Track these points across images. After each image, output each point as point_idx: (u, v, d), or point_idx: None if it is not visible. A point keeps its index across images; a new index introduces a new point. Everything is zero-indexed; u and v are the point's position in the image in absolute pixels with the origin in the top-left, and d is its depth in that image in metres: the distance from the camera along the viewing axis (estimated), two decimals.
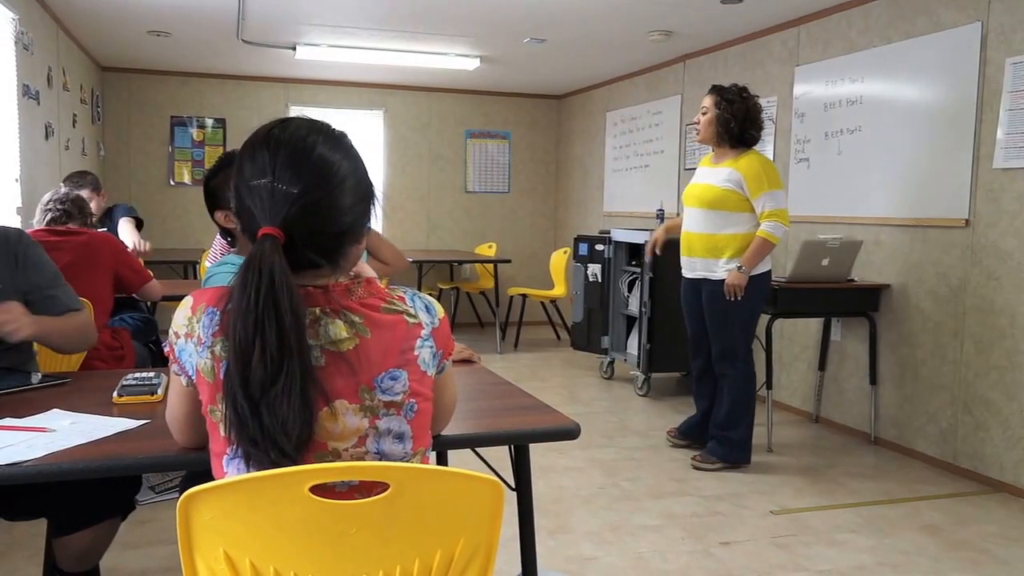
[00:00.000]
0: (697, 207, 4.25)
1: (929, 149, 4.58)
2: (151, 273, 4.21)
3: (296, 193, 1.29)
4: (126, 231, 5.08)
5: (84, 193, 4.73)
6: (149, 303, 4.85)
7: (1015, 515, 3.83)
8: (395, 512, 1.28)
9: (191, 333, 1.35)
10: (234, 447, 1.31)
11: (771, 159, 4.20)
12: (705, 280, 4.27)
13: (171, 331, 1.40)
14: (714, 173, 4.21)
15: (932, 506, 3.92)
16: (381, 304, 1.38)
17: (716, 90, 4.21)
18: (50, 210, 3.91)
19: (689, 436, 4.68)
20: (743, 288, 4.11)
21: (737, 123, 4.13)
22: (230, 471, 1.35)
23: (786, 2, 5.24)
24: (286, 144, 1.32)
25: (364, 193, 1.38)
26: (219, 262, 2.13)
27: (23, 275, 2.33)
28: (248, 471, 1.32)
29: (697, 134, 4.29)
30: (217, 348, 1.32)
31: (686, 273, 4.39)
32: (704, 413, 4.56)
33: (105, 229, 4.74)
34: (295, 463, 1.26)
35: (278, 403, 1.23)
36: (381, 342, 1.35)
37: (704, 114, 4.23)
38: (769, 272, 4.25)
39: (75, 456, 1.57)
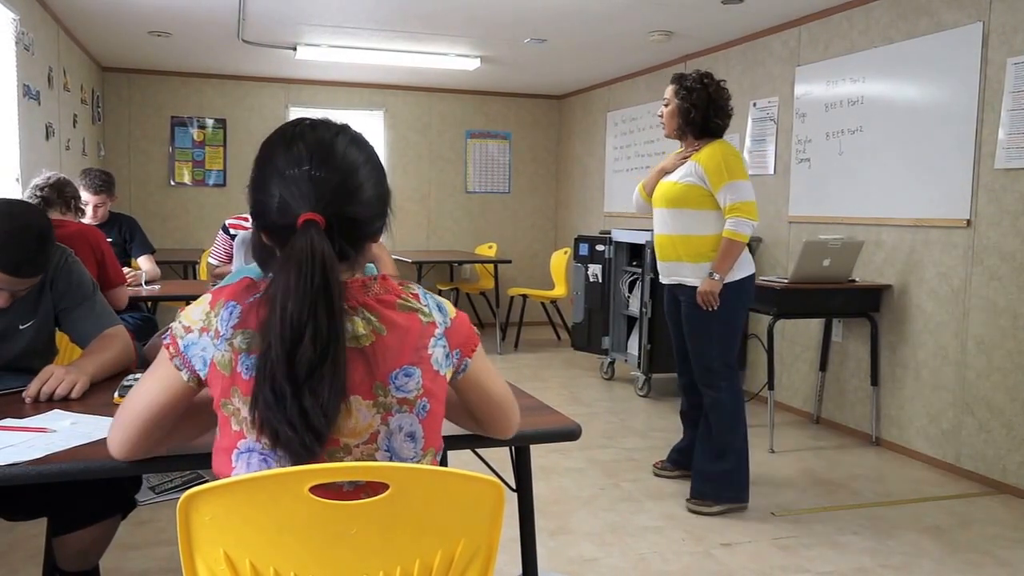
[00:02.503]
0: (662, 207, 3.88)
1: (930, 149, 4.57)
2: (127, 279, 4.19)
3: (335, 181, 1.33)
4: (146, 266, 5.07)
5: (83, 195, 4.73)
6: (148, 304, 4.85)
7: (1018, 517, 3.82)
8: (396, 512, 1.28)
9: (207, 327, 1.34)
10: (252, 438, 1.31)
11: (736, 148, 3.67)
12: (680, 286, 3.86)
13: (179, 325, 1.37)
14: (678, 169, 3.85)
15: (934, 507, 3.91)
16: (396, 300, 1.39)
17: (676, 79, 3.85)
18: (30, 198, 3.88)
19: (680, 465, 4.20)
20: (717, 297, 3.67)
21: (699, 112, 3.74)
22: (238, 466, 1.34)
23: (787, 2, 5.24)
24: (320, 140, 1.37)
25: (385, 192, 1.43)
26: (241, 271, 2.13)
27: (50, 297, 2.33)
28: (259, 466, 1.32)
29: (663, 128, 3.95)
30: (237, 340, 1.31)
31: (662, 279, 3.99)
32: (693, 438, 4.07)
33: (111, 240, 4.72)
34: (321, 449, 1.27)
35: (321, 385, 1.25)
36: (396, 339, 1.35)
37: (666, 105, 3.86)
38: (751, 276, 3.81)
39: (75, 456, 1.56)
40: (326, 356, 1.25)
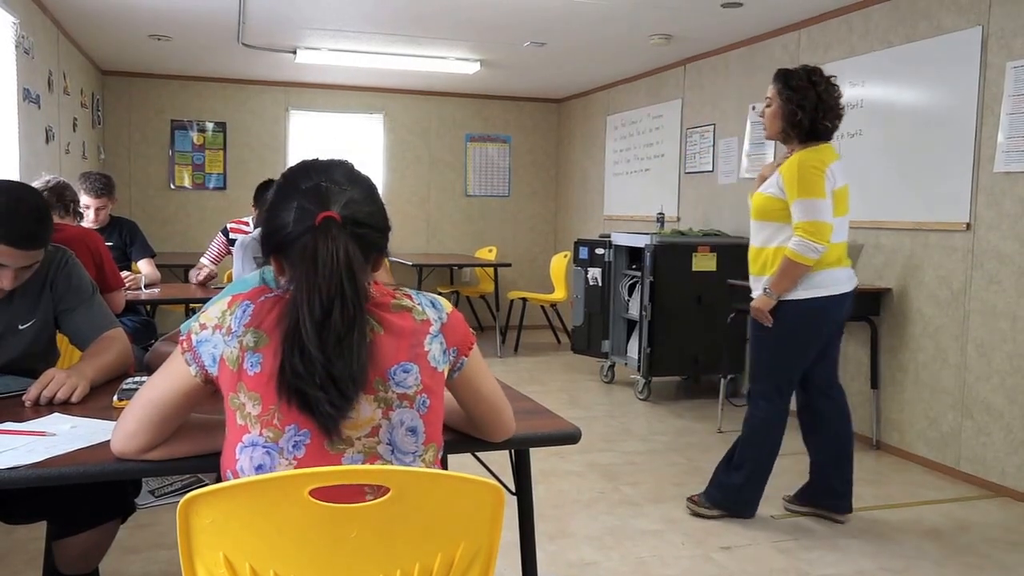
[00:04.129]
0: (752, 218, 3.62)
1: (930, 153, 4.57)
2: (124, 283, 4.19)
3: (348, 193, 1.45)
4: (146, 269, 5.08)
5: (84, 199, 4.74)
6: (148, 307, 4.85)
7: (1017, 520, 3.82)
8: (395, 515, 1.28)
9: (221, 324, 1.42)
10: (256, 432, 1.37)
11: (825, 162, 3.42)
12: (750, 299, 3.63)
13: (196, 322, 1.45)
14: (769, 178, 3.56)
15: (934, 511, 3.91)
16: (391, 302, 1.46)
17: (781, 76, 3.49)
18: None
19: (808, 501, 3.80)
20: (766, 315, 3.45)
21: (806, 114, 3.41)
22: (242, 459, 1.38)
23: (786, 6, 5.24)
24: (332, 167, 1.50)
25: (386, 217, 1.52)
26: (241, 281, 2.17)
27: (50, 298, 2.32)
28: (263, 459, 1.36)
29: (764, 130, 3.63)
30: (246, 338, 1.38)
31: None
32: (818, 467, 3.76)
33: (111, 244, 4.73)
34: (349, 410, 1.36)
35: (349, 352, 1.34)
36: (392, 337, 1.42)
37: (768, 106, 3.53)
38: (830, 298, 3.44)
39: (75, 460, 1.56)
40: (352, 327, 1.35)
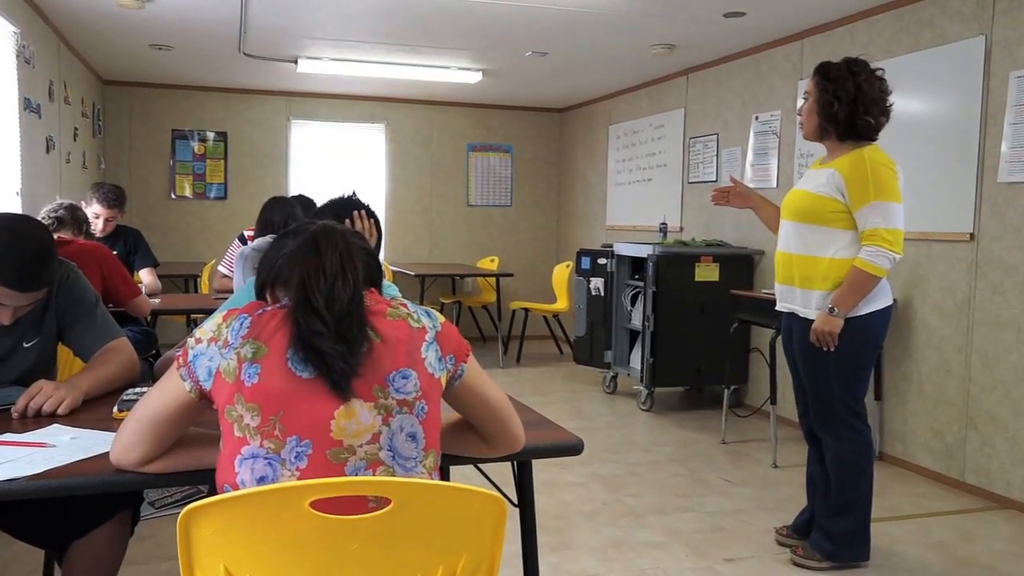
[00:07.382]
0: (789, 219, 3.25)
1: (933, 163, 4.57)
2: (141, 289, 4.25)
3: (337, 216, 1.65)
4: (148, 279, 5.11)
5: (95, 208, 4.83)
6: (148, 317, 4.85)
7: (1022, 532, 3.80)
8: (397, 527, 1.27)
9: (216, 337, 1.43)
10: (256, 443, 1.37)
11: (893, 161, 3.12)
12: (794, 316, 3.27)
13: (192, 337, 1.47)
14: (815, 176, 3.23)
15: (938, 522, 3.89)
16: (387, 309, 1.50)
17: (819, 69, 3.19)
18: (43, 219, 4.02)
19: (801, 533, 3.52)
20: (835, 336, 3.09)
21: (842, 107, 3.08)
22: (242, 471, 1.37)
23: (789, 15, 5.25)
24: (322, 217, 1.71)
25: (376, 253, 1.72)
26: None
27: (53, 314, 2.30)
28: (264, 471, 1.36)
29: (802, 128, 3.32)
30: (244, 349, 1.39)
31: (778, 305, 3.39)
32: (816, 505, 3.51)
33: (115, 253, 4.74)
34: (359, 367, 1.40)
35: (354, 326, 1.42)
36: (390, 344, 1.44)
37: (805, 100, 3.25)
38: (886, 309, 3.18)
39: (75, 471, 1.56)
40: (354, 300, 1.44)
